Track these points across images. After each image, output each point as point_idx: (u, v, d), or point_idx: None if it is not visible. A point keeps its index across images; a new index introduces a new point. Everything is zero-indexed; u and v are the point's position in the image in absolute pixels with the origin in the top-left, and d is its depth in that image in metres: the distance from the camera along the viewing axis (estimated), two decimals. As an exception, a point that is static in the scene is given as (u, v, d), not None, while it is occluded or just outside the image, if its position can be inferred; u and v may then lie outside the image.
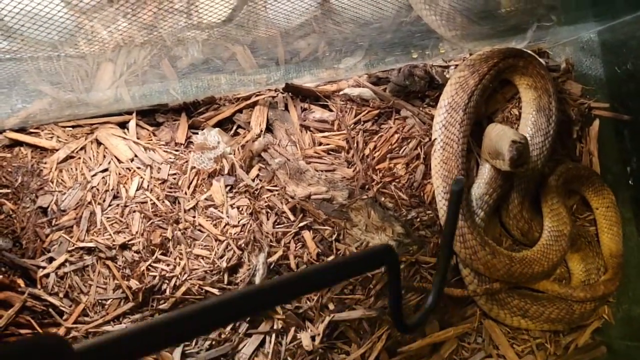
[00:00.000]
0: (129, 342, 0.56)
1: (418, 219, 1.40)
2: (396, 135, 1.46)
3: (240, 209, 1.34)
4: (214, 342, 1.24)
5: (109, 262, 1.25)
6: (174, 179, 1.34)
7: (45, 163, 1.31)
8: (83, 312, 1.23)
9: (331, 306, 1.31)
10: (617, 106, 1.57)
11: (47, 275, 1.23)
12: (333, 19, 1.43)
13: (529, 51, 1.56)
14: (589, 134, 1.60)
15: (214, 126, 1.41)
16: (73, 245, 1.25)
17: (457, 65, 1.54)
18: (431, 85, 1.50)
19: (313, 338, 1.27)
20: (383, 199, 1.39)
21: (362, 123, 1.46)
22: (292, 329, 1.28)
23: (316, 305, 1.30)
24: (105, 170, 1.32)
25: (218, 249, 1.29)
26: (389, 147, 1.45)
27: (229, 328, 1.26)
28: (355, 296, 1.33)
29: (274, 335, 1.27)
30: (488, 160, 1.41)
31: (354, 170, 1.41)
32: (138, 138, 1.37)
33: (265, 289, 0.66)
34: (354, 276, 1.24)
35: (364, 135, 1.45)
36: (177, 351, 1.22)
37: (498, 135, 1.33)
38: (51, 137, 1.34)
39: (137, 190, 1.31)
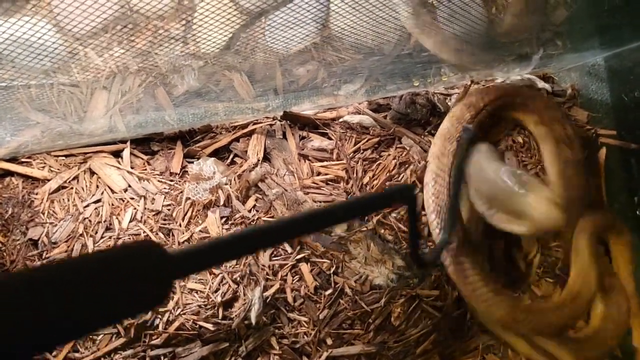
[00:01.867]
0: (217, 249, 0.67)
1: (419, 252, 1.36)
2: (394, 162, 1.42)
3: (236, 241, 1.30)
4: (207, 380, 1.20)
5: (100, 297, 1.21)
6: (168, 210, 1.30)
7: (37, 194, 1.28)
8: (73, 348, 1.19)
9: (329, 341, 1.28)
10: (624, 134, 1.54)
11: (36, 311, 1.19)
12: (333, 45, 1.40)
13: (532, 76, 1.53)
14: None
15: (210, 155, 1.37)
16: (64, 279, 1.22)
17: (459, 92, 1.51)
18: (433, 113, 1.46)
19: (310, 375, 1.24)
20: (383, 230, 1.35)
21: (361, 151, 1.43)
22: (289, 364, 1.25)
23: (313, 339, 1.27)
24: (98, 200, 1.29)
25: (213, 283, 1.25)
26: (387, 174, 1.41)
27: (223, 364, 1.23)
28: (354, 331, 1.29)
29: (269, 372, 1.24)
30: (481, 211, 1.15)
31: (353, 201, 1.37)
32: (132, 167, 1.33)
33: (311, 215, 0.81)
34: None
35: (363, 164, 1.41)
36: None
37: (518, 184, 1.06)
38: (43, 167, 1.30)
39: (130, 221, 1.28)
